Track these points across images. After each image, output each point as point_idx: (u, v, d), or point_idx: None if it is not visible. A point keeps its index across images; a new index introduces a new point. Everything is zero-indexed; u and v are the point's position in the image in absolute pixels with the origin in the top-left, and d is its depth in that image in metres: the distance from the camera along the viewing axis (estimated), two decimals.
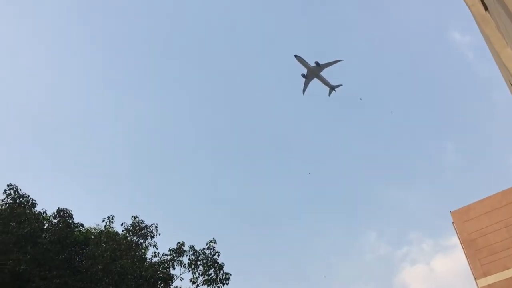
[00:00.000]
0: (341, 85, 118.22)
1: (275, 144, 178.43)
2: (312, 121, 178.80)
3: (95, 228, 52.26)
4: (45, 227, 45.56)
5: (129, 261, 43.16)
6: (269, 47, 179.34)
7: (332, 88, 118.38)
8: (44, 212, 45.96)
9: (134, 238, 46.06)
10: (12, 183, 44.71)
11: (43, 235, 43.62)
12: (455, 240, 51.63)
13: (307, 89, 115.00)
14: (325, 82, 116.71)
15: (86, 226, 50.01)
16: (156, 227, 46.93)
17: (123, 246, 44.08)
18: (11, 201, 44.28)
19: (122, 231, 46.66)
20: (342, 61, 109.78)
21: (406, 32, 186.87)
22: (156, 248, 46.54)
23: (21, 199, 44.55)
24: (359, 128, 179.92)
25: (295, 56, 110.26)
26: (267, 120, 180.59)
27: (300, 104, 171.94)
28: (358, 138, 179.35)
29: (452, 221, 49.32)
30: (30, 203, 44.59)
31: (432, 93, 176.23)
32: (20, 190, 44.78)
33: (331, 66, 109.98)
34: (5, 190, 44.39)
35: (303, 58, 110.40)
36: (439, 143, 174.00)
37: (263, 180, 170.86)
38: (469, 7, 24.94)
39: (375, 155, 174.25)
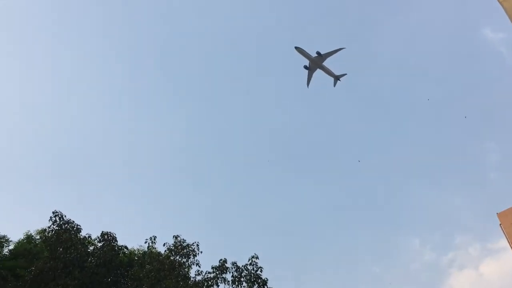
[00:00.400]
0: (345, 74, 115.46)
1: (301, 150, 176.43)
2: (340, 123, 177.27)
3: (138, 250, 53.26)
4: (89, 250, 46.83)
5: (173, 281, 43.58)
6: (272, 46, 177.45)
7: (337, 78, 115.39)
8: (89, 236, 47.19)
9: (177, 257, 46.48)
10: (57, 210, 46.31)
11: (89, 259, 44.76)
12: (503, 242, 49.86)
13: (311, 81, 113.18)
14: (329, 73, 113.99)
15: (129, 247, 51.17)
16: (197, 245, 47.30)
17: (166, 266, 44.56)
18: (57, 228, 45.76)
19: (165, 251, 47.25)
20: (344, 49, 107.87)
21: (437, 28, 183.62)
22: (199, 267, 46.78)
23: (67, 225, 45.93)
24: (394, 129, 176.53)
25: (296, 47, 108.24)
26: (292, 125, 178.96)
27: (319, 103, 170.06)
28: (394, 140, 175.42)
29: (500, 223, 47.73)
30: (75, 228, 45.89)
31: (470, 92, 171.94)
32: (65, 216, 46.27)
33: (333, 55, 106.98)
34: (50, 217, 45.96)
35: (304, 49, 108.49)
36: (481, 144, 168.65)
37: (296, 189, 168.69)
38: (500, 3, 24.49)
39: (413, 157, 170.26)
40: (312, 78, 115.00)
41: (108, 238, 46.00)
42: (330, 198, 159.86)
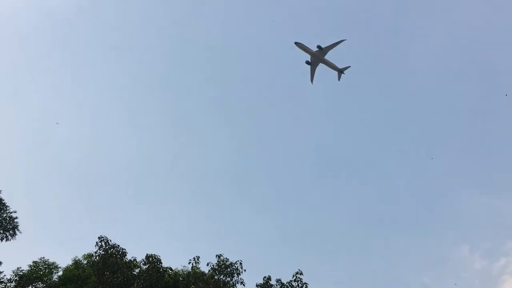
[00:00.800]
0: (349, 66, 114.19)
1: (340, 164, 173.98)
2: (378, 127, 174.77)
3: (182, 270, 53.67)
4: (135, 273, 47.52)
5: None
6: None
7: (341, 71, 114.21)
8: (134, 259, 48.03)
9: (221, 276, 46.62)
10: (103, 235, 47.43)
11: (136, 282, 45.40)
12: None
13: (314, 76, 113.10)
14: (332, 66, 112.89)
15: (173, 268, 51.60)
16: (240, 263, 47.34)
17: (211, 286, 44.73)
18: (103, 252, 46.83)
19: (209, 270, 47.46)
20: (345, 40, 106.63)
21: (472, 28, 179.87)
22: (244, 285, 46.79)
23: (112, 249, 46.92)
24: (438, 135, 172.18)
25: (295, 43, 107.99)
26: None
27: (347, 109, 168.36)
28: (438, 147, 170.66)
29: None
30: (120, 252, 46.84)
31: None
32: (110, 240, 47.32)
33: (334, 48, 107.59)
34: (96, 243, 47.09)
35: (304, 44, 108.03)
36: None
37: (338, 201, 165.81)
38: None
39: (460, 164, 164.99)
40: (315, 74, 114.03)
41: (152, 261, 46.68)
42: (373, 209, 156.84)
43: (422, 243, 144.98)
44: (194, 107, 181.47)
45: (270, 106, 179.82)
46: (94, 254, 47.94)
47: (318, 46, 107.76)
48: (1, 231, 53.16)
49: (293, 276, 46.02)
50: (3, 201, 54.19)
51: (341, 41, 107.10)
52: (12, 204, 54.92)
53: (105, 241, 46.92)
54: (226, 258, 47.55)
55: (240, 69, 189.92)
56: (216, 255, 47.96)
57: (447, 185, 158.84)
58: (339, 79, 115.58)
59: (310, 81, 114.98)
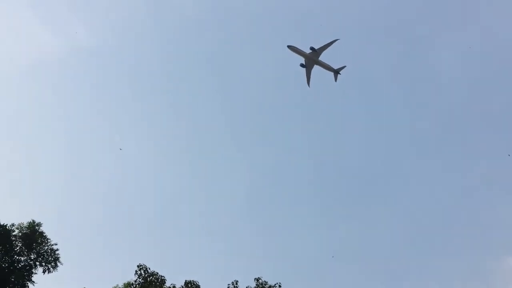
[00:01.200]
0: (345, 66, 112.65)
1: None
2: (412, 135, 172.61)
3: None
4: None
5: None
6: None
7: (337, 72, 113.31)
8: (174, 286, 48.21)
9: None
10: (142, 263, 47.85)
11: None
12: None
13: (311, 79, 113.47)
14: (327, 67, 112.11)
15: None
16: (279, 286, 46.92)
17: None
18: (142, 280, 47.18)
19: None
20: (338, 40, 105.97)
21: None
22: None
23: (151, 277, 47.26)
24: (478, 144, 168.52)
25: (288, 46, 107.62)
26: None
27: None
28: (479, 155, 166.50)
29: None
30: (159, 280, 47.13)
31: None
32: (149, 268, 47.67)
33: (328, 48, 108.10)
34: (136, 271, 47.50)
35: (296, 46, 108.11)
36: None
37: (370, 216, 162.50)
38: None
39: (495, 171, 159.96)
40: (311, 76, 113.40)
41: (191, 287, 46.77)
42: (412, 221, 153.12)
43: (463, 255, 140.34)
44: (194, 109, 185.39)
45: (269, 111, 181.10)
46: (133, 283, 48.32)
47: (311, 48, 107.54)
48: (43, 264, 54.31)
49: None
50: (44, 234, 55.50)
51: (334, 40, 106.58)
52: (52, 233, 56.17)
53: (144, 269, 47.32)
54: (265, 281, 47.23)
55: (240, 72, 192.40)
56: (255, 279, 47.83)
57: (487, 193, 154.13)
58: (335, 80, 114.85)
59: (307, 84, 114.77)
